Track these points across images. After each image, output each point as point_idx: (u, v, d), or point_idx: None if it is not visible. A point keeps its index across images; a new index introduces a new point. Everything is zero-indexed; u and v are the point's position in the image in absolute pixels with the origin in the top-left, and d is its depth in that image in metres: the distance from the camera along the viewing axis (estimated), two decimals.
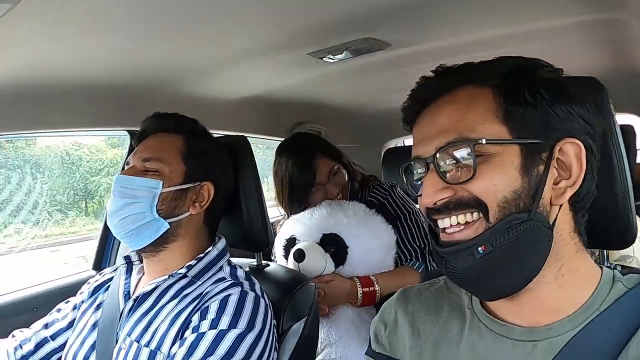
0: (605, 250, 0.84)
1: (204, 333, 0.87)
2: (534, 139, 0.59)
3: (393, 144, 2.75)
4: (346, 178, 1.55)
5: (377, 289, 1.33)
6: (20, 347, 1.06)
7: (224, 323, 0.88)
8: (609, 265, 0.70)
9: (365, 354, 0.79)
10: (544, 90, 0.59)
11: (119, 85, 1.29)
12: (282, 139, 1.66)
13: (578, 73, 0.68)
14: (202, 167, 1.05)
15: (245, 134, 1.55)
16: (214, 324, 0.88)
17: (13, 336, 1.09)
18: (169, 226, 1.00)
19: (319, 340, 1.25)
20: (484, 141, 0.58)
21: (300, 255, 1.29)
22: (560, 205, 0.61)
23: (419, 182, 0.67)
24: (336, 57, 1.25)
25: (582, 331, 0.58)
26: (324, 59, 1.27)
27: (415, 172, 0.68)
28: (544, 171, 0.59)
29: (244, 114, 1.81)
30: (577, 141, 0.59)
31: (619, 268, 0.66)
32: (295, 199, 1.49)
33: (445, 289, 0.74)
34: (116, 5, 0.80)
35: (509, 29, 1.21)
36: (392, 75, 1.64)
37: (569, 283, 0.61)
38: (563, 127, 0.59)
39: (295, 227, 1.38)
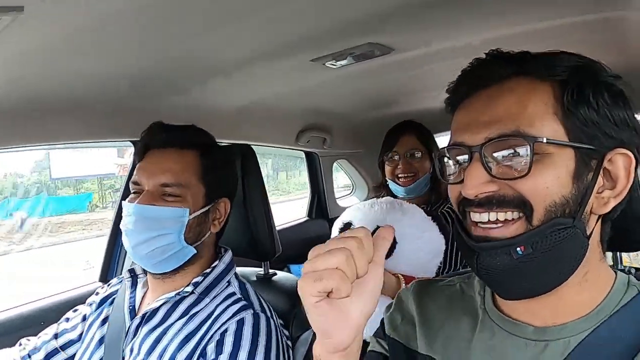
0: (619, 253, 0.83)
1: None
2: (589, 144, 0.56)
3: None
4: (427, 167, 1.73)
5: None
6: (29, 356, 1.05)
7: (241, 359, 0.87)
8: (622, 268, 0.69)
9: (375, 335, 0.77)
10: (607, 94, 0.57)
11: (121, 95, 1.28)
12: (286, 147, 1.67)
13: None
14: (219, 184, 1.02)
15: (248, 143, 1.54)
16: None
17: (20, 344, 1.08)
18: (195, 251, 0.98)
19: None
20: (544, 140, 0.54)
21: None
22: (599, 216, 0.58)
23: (452, 173, 0.64)
24: (339, 62, 1.24)
25: (594, 331, 0.57)
26: (327, 64, 1.26)
27: (451, 157, 0.63)
28: (592, 179, 0.57)
29: (247, 122, 1.80)
30: (629, 153, 0.57)
31: (633, 271, 0.65)
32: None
33: (460, 293, 0.73)
34: (117, 16, 0.79)
35: (513, 29, 1.19)
36: (395, 78, 1.64)
37: (591, 287, 0.60)
38: (619, 136, 0.57)
39: (354, 214, 1.45)
